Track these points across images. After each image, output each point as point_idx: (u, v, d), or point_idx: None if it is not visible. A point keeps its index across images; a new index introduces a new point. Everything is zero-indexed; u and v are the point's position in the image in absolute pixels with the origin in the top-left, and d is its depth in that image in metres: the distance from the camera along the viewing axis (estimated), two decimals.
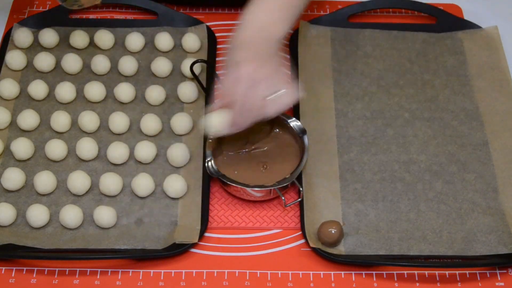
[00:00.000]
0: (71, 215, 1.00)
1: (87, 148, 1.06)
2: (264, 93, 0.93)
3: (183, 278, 0.97)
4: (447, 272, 0.99)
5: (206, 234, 1.01)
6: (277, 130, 1.09)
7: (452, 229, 1.01)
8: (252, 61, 0.93)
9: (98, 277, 0.97)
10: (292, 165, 1.04)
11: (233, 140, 1.08)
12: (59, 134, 1.10)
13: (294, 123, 1.07)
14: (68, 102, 1.14)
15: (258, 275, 0.98)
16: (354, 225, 1.01)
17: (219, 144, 1.06)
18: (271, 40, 0.96)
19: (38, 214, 1.00)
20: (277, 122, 1.08)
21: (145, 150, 1.06)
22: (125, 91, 1.13)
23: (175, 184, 1.03)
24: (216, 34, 1.24)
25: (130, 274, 0.98)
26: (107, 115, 1.11)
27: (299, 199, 1.02)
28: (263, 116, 0.95)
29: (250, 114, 0.95)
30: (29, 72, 1.17)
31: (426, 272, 0.99)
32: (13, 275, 0.97)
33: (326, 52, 1.21)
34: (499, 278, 0.98)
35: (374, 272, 0.98)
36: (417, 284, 0.98)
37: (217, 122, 0.97)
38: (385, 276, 0.98)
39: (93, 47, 1.21)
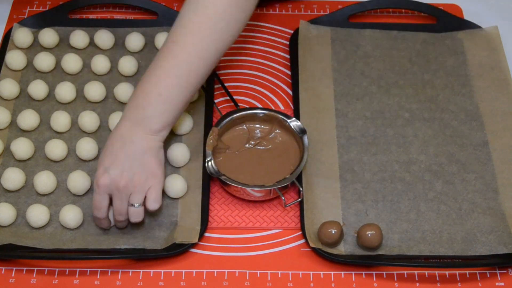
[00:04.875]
0: (71, 215, 1.00)
1: (87, 148, 1.06)
2: (123, 203, 0.95)
3: (183, 278, 0.97)
4: (447, 272, 0.99)
5: (206, 234, 1.01)
6: (277, 130, 1.09)
7: (452, 229, 1.01)
8: (116, 167, 0.93)
9: (98, 277, 0.97)
10: (292, 165, 1.04)
11: (233, 139, 1.08)
12: (59, 134, 1.10)
13: (294, 123, 1.07)
14: (68, 102, 1.14)
15: (258, 275, 0.98)
16: (354, 225, 1.01)
17: (219, 144, 1.06)
18: (149, 132, 0.95)
19: (38, 214, 1.00)
20: (277, 122, 1.09)
21: None
22: (125, 91, 1.13)
23: (175, 184, 1.03)
24: None
25: (130, 274, 0.98)
26: (107, 115, 1.11)
27: (299, 199, 1.02)
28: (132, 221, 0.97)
29: (117, 219, 0.97)
30: (29, 72, 1.17)
31: (426, 272, 0.99)
32: (13, 275, 0.97)
33: (326, 52, 1.21)
34: (499, 278, 0.98)
35: (374, 272, 0.98)
36: (417, 284, 0.98)
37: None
38: (385, 276, 0.98)
39: (93, 47, 1.21)
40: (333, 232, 0.98)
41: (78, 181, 1.03)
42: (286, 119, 1.08)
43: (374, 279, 0.98)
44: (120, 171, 0.93)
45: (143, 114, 0.94)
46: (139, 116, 0.94)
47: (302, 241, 1.01)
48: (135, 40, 1.19)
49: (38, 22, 1.22)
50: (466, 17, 1.28)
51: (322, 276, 0.98)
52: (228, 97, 1.13)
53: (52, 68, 1.18)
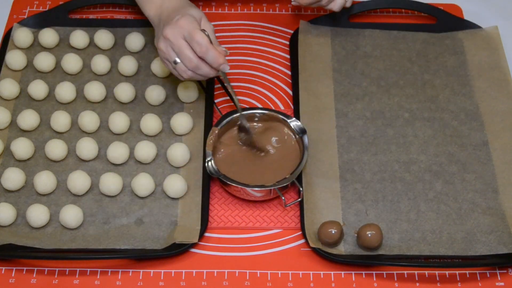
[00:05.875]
0: (71, 215, 1.00)
1: (87, 148, 1.06)
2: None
3: (183, 278, 0.97)
4: (447, 272, 0.99)
5: (206, 234, 1.01)
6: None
7: (452, 229, 1.01)
8: None
9: (98, 277, 0.97)
10: (292, 165, 1.04)
11: (233, 139, 1.08)
12: (59, 134, 1.10)
13: (294, 123, 1.07)
14: (68, 102, 1.14)
15: (258, 275, 0.98)
16: (354, 225, 1.01)
17: (219, 144, 1.06)
18: None
19: (38, 214, 1.00)
20: (277, 122, 1.09)
21: (145, 150, 1.06)
22: (125, 91, 1.13)
23: (175, 184, 1.03)
24: (216, 34, 1.23)
25: (130, 274, 0.98)
26: (107, 115, 1.11)
27: (299, 199, 1.02)
28: None
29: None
30: (29, 72, 1.18)
31: (426, 272, 0.99)
32: (13, 275, 0.97)
33: (326, 52, 1.21)
34: (499, 278, 0.98)
35: (374, 272, 0.98)
36: (417, 284, 0.98)
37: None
38: (385, 276, 0.98)
39: (93, 47, 1.21)
40: (333, 232, 0.98)
41: (78, 181, 1.03)
42: (286, 119, 1.08)
43: (374, 279, 0.98)
44: None
45: None
46: None
47: (302, 241, 1.01)
48: (135, 40, 1.20)
49: (38, 22, 1.23)
50: (466, 17, 1.28)
51: (322, 276, 0.98)
52: (228, 97, 1.13)
53: (52, 68, 1.18)
